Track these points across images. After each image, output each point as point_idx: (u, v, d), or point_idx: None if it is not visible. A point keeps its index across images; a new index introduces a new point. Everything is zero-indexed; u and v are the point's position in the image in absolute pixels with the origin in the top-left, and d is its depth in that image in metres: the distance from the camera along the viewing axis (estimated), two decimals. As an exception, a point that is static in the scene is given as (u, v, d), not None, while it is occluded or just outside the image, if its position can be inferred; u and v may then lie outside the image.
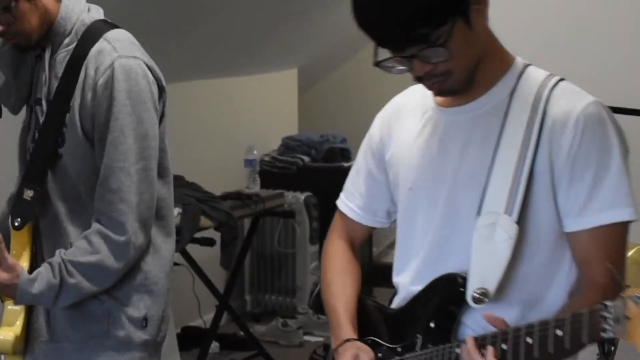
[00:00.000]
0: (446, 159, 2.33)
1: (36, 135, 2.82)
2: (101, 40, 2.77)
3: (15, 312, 2.83)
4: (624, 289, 1.85)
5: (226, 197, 6.10)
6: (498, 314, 2.14)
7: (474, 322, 2.26)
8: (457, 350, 2.18)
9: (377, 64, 2.23)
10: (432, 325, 2.31)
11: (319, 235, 6.96)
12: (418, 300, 2.37)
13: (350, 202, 2.63)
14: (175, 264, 6.15)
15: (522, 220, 2.21)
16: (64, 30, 2.78)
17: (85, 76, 2.73)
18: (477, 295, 2.21)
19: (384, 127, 2.53)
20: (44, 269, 2.71)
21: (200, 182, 5.79)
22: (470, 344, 2.12)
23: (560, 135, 2.20)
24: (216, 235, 5.79)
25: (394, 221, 2.57)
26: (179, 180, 5.67)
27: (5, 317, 2.86)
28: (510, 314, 2.18)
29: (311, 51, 7.66)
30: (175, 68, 6.32)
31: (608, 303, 1.85)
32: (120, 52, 2.73)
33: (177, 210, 5.36)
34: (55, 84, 2.78)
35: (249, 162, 6.83)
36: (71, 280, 2.71)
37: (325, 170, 7.21)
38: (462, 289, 2.25)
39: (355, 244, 2.66)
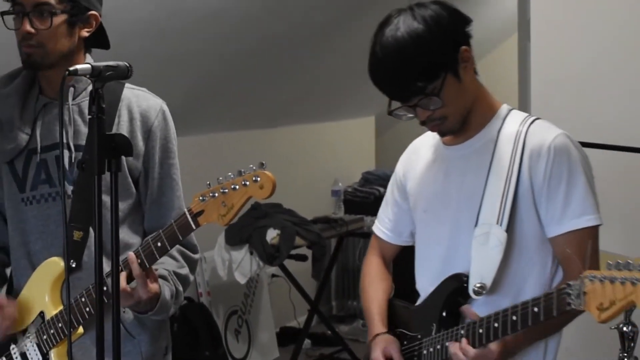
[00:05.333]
0: (450, 186, 2.42)
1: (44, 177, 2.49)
2: (126, 88, 2.53)
3: None
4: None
5: (316, 221, 6.08)
6: (493, 303, 2.25)
7: (476, 310, 2.29)
8: (462, 331, 2.25)
9: (390, 112, 2.38)
10: (444, 314, 2.37)
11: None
12: (433, 296, 2.44)
13: (382, 226, 2.70)
14: (274, 275, 6.21)
15: (510, 229, 2.30)
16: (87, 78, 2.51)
17: (130, 118, 2.49)
18: (477, 289, 2.30)
19: (406, 164, 2.61)
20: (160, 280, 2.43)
21: (295, 208, 5.78)
22: (453, 346, 2.24)
23: (536, 162, 2.29)
24: (308, 252, 5.77)
25: None
26: (277, 207, 5.68)
27: None
28: (502, 303, 2.21)
29: (386, 103, 7.65)
30: (277, 115, 6.35)
31: (570, 283, 1.95)
32: (159, 99, 2.57)
33: (276, 232, 5.35)
34: (84, 128, 2.46)
35: (335, 192, 6.83)
36: (180, 289, 2.51)
37: (398, 199, 7.13)
38: (465, 285, 2.34)
39: (386, 260, 2.71)
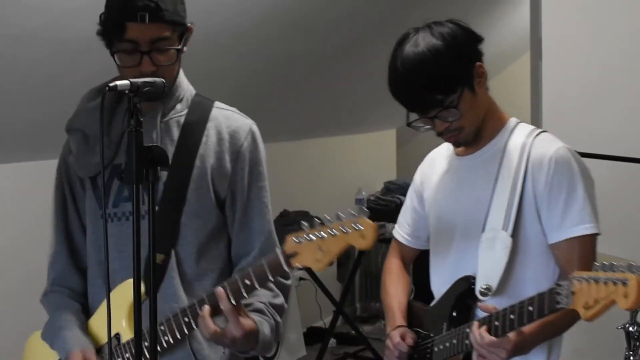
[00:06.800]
0: (461, 194, 2.43)
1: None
2: (215, 108, 2.39)
3: None
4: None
5: (341, 227, 6.07)
6: (499, 305, 2.20)
7: None
8: (468, 330, 2.25)
9: (409, 124, 2.38)
10: (454, 314, 2.39)
11: (413, 257, 6.90)
12: (444, 297, 2.45)
13: (401, 230, 2.70)
14: (301, 278, 6.23)
15: (515, 235, 2.30)
16: (177, 95, 2.34)
17: (219, 139, 2.33)
18: (483, 290, 2.31)
19: (423, 174, 2.62)
20: (254, 315, 2.20)
21: (321, 216, 5.78)
22: (475, 327, 2.20)
23: (539, 172, 2.29)
24: (333, 257, 5.76)
25: None
26: (305, 215, 5.69)
27: None
28: (507, 304, 2.19)
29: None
30: (304, 128, 6.37)
31: (560, 283, 1.97)
32: (249, 119, 2.40)
33: (303, 238, 5.35)
34: (170, 147, 2.30)
35: (358, 201, 6.83)
36: (279, 320, 2.29)
37: (418, 207, 7.11)
38: (472, 286, 2.35)
39: (405, 262, 2.73)
